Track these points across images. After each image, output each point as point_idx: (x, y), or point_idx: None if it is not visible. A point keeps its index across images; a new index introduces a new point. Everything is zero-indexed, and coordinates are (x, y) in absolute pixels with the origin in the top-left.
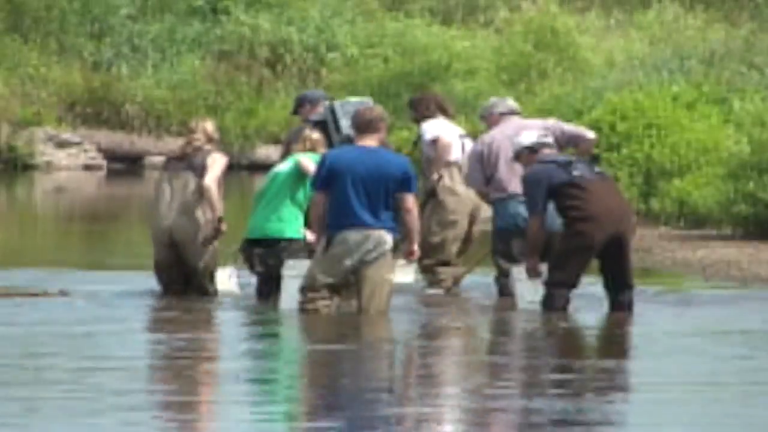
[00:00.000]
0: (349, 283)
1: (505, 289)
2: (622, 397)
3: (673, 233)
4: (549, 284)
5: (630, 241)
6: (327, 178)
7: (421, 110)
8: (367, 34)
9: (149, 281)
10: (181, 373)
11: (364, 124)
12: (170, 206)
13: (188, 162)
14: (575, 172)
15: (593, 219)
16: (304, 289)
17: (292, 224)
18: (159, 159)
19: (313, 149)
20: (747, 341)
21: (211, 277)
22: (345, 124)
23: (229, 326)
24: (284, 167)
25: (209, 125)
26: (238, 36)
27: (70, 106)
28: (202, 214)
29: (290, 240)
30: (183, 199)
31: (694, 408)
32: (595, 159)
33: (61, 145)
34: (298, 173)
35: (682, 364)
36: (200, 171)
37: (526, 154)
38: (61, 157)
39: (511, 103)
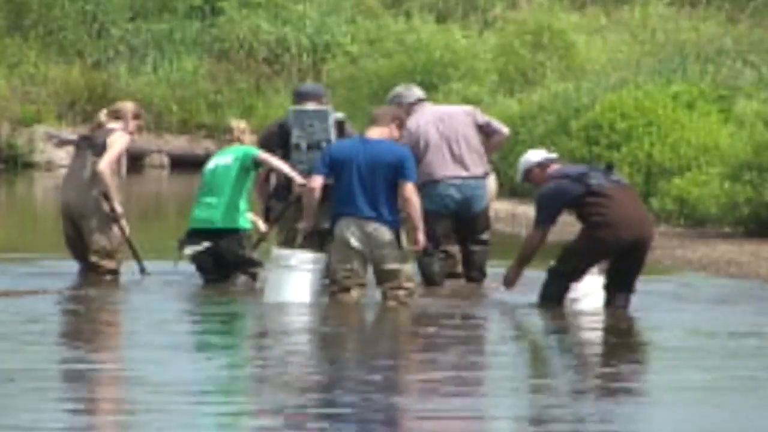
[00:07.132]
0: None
1: (426, 269)
2: (618, 398)
3: (674, 232)
4: (552, 272)
5: (647, 249)
6: (329, 167)
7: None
8: (367, 32)
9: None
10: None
11: (373, 118)
12: (68, 183)
13: (90, 140)
14: (592, 182)
15: (613, 226)
16: (331, 282)
17: (242, 215)
18: (159, 157)
19: (238, 140)
20: (747, 340)
21: (107, 256)
22: (295, 134)
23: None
24: (225, 161)
25: (129, 105)
26: (237, 36)
27: (70, 104)
28: (96, 193)
29: (243, 230)
30: (79, 175)
31: (692, 408)
32: (610, 167)
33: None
34: (246, 166)
35: (682, 364)
36: (99, 150)
37: (537, 171)
38: (61, 155)
39: (417, 91)
